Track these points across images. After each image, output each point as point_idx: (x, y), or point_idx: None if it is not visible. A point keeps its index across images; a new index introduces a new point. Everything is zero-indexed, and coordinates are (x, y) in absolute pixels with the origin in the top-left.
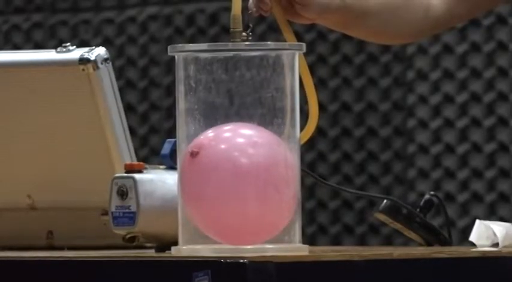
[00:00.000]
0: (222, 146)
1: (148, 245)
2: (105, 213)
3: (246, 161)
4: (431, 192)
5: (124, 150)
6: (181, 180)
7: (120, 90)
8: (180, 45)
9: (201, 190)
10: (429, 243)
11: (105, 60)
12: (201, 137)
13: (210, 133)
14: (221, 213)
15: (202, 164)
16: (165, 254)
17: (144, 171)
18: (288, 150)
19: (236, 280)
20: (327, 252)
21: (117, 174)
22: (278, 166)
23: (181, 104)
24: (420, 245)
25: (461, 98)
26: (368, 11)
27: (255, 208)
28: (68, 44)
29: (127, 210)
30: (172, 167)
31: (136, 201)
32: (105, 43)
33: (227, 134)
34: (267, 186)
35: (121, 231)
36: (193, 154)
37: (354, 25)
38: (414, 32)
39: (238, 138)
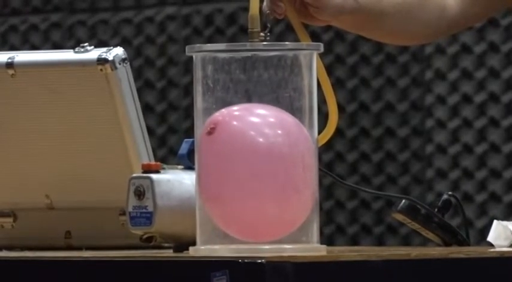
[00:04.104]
0: (235, 123)
1: (167, 245)
2: (124, 213)
3: (263, 141)
4: (449, 193)
5: (142, 150)
6: (199, 169)
7: (138, 90)
8: (198, 45)
9: (220, 175)
10: (447, 244)
11: (123, 60)
12: (216, 114)
13: (224, 110)
14: (238, 208)
15: (219, 140)
16: (183, 254)
17: (162, 171)
18: (307, 135)
19: (254, 280)
20: (345, 252)
21: (134, 175)
22: (296, 166)
23: (199, 104)
24: (438, 245)
25: (479, 98)
26: (383, 12)
27: (272, 202)
28: (86, 44)
29: (144, 211)
30: (190, 167)
31: (153, 201)
32: (123, 43)
33: (243, 112)
34: (285, 186)
35: (138, 232)
36: (210, 132)
37: (369, 27)
38: (430, 32)
39: (254, 117)
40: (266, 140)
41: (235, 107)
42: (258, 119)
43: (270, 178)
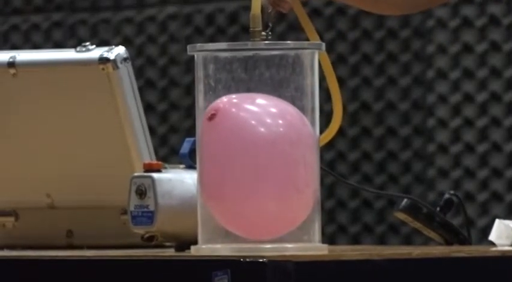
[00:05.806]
0: (235, 110)
1: (168, 244)
2: (125, 212)
3: (264, 131)
4: (451, 192)
5: (143, 150)
6: (200, 159)
7: (140, 89)
8: (199, 44)
9: (221, 165)
10: (449, 243)
11: (125, 59)
12: (217, 101)
13: (224, 98)
14: (239, 205)
15: (220, 128)
16: (184, 254)
17: (163, 170)
18: (310, 128)
19: (256, 279)
20: (347, 251)
21: (135, 174)
22: (298, 166)
23: (200, 103)
24: (440, 244)
25: (481, 97)
26: None
27: (273, 200)
28: (88, 43)
29: (145, 210)
30: (191, 166)
31: (155, 200)
32: (125, 42)
33: (244, 99)
34: (286, 184)
35: (140, 231)
36: (211, 117)
37: None
38: (411, 3)
39: (255, 106)
40: (267, 129)
41: (235, 95)
42: (259, 108)
43: (271, 176)
